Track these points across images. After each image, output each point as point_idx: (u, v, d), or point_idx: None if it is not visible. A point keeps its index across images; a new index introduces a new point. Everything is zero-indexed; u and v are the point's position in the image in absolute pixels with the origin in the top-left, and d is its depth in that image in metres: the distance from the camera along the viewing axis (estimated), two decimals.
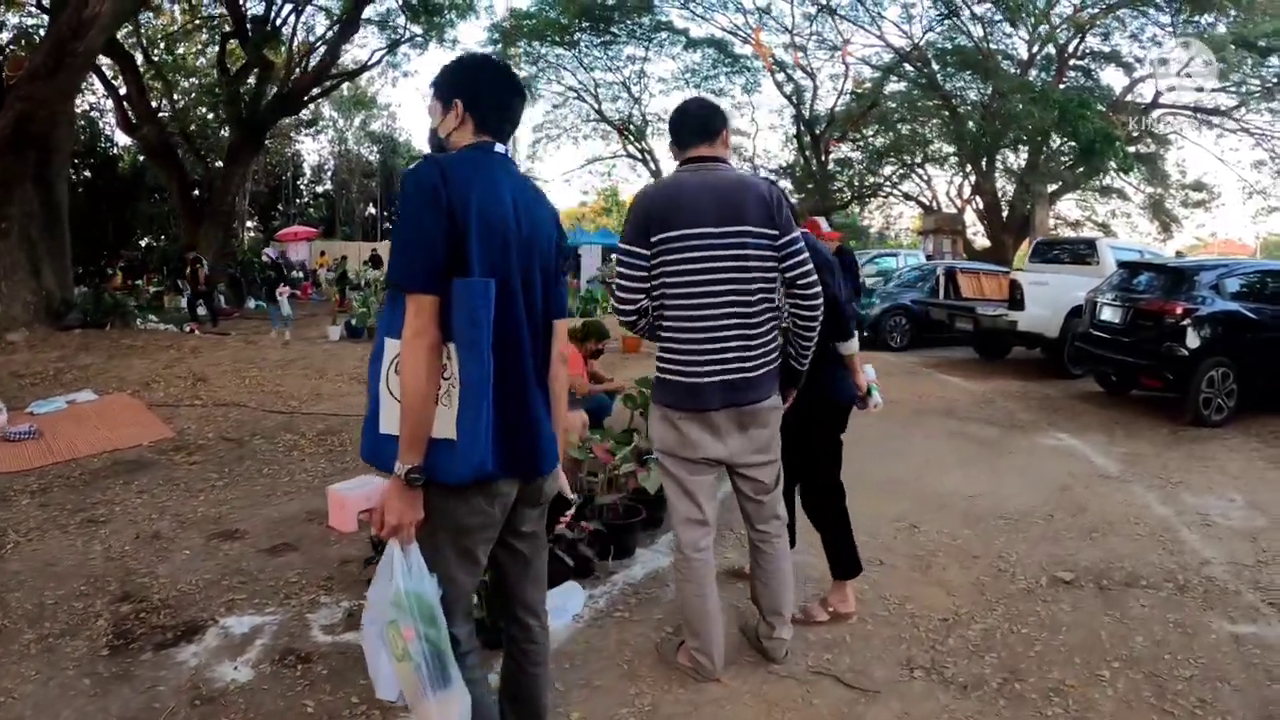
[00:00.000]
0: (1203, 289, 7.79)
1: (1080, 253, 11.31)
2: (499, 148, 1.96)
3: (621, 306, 2.71)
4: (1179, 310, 7.55)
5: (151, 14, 18.92)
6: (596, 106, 28.21)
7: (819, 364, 3.04)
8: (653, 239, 2.62)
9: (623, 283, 2.70)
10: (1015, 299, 10.13)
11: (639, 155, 29.18)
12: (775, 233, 2.64)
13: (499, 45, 24.53)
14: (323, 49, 19.28)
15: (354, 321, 13.27)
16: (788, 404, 2.94)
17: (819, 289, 2.75)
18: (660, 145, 28.01)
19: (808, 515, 3.53)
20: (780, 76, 26.08)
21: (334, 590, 3.74)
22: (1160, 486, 5.59)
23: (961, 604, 3.71)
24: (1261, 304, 7.87)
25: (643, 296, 2.69)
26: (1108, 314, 8.41)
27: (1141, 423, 7.64)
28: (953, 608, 3.67)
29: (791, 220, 2.71)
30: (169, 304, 17.22)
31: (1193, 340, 7.42)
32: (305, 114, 35.61)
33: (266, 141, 35.00)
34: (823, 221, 5.77)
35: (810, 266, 2.72)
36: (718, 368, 2.64)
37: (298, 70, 19.28)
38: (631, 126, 28.34)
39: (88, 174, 24.87)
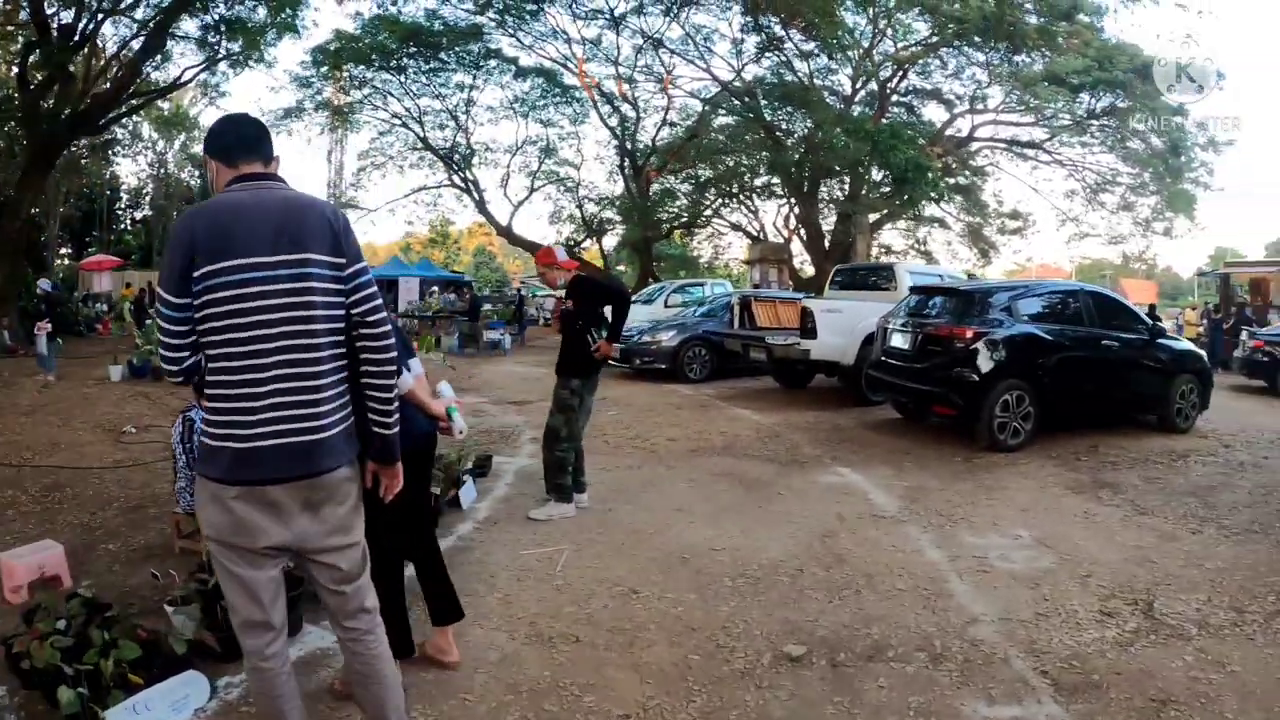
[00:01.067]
0: (996, 311, 7.62)
1: (878, 278, 11.19)
2: None
3: (168, 367, 2.19)
4: (969, 334, 7.33)
5: None
6: (422, 135, 27.04)
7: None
8: (196, 274, 2.08)
9: (164, 339, 2.16)
10: (807, 327, 9.79)
11: (464, 185, 28.11)
12: (341, 261, 2.18)
13: (322, 67, 23.10)
14: (123, 64, 17.18)
15: (135, 360, 11.52)
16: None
17: (389, 329, 2.27)
18: (486, 175, 27.31)
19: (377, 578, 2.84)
20: (606, 108, 25.91)
21: None
22: (938, 526, 5.11)
23: (654, 694, 2.99)
24: (1058, 325, 7.79)
25: (189, 353, 2.16)
26: (898, 340, 8.14)
27: (933, 452, 7.31)
28: (641, 699, 2.94)
29: (358, 246, 2.25)
30: None
31: (985, 364, 7.21)
32: (122, 134, 32.66)
33: (83, 162, 31.86)
34: (559, 250, 5.37)
35: (379, 302, 2.25)
36: (275, 428, 2.10)
37: (104, 85, 17.15)
38: (457, 155, 27.32)
39: None
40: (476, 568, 4.24)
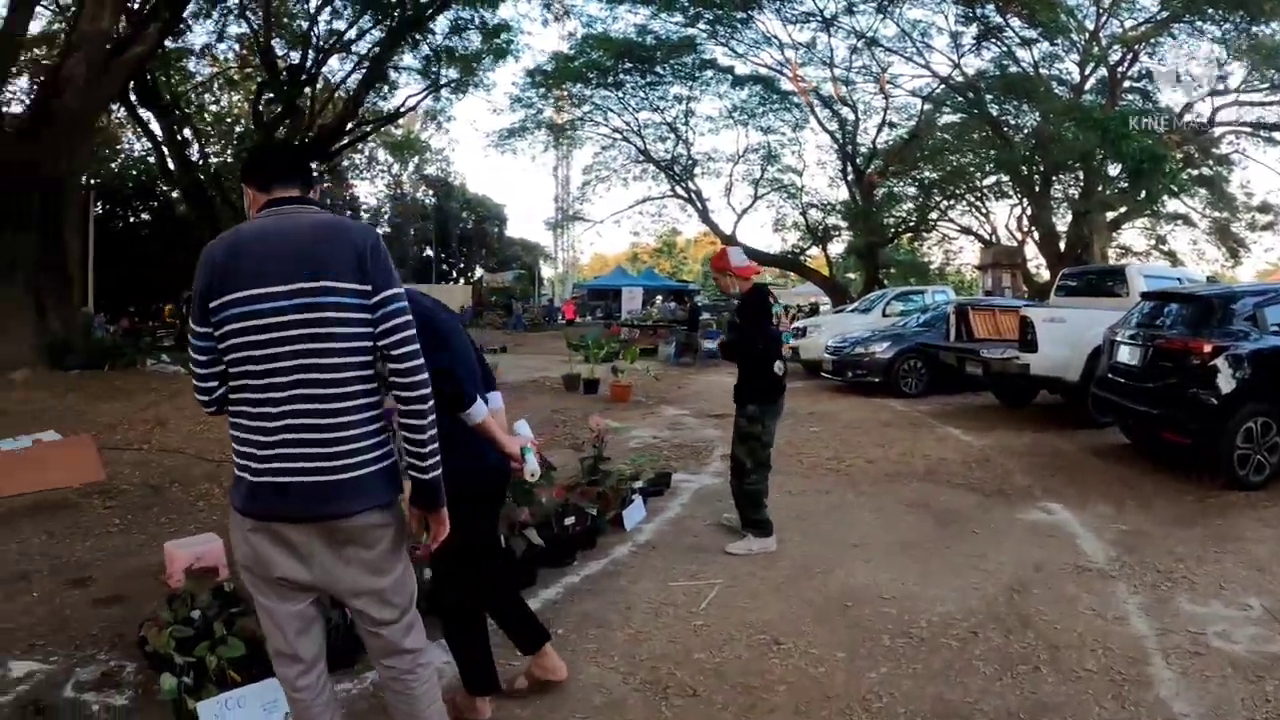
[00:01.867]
0: (1239, 321, 6.14)
1: (1109, 283, 9.57)
2: None
3: (198, 396, 2.07)
4: (1206, 348, 5.93)
5: (193, 63, 19.24)
6: (643, 147, 27.19)
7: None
8: (213, 304, 1.94)
9: (193, 368, 2.05)
10: (1026, 338, 8.50)
11: (686, 195, 28.01)
12: (367, 288, 1.93)
13: (539, 88, 24.04)
14: (347, 97, 19.12)
15: None
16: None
17: (420, 362, 1.97)
18: (709, 185, 27.26)
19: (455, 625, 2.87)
20: (824, 112, 24.90)
21: (114, 648, 3.48)
22: (1152, 585, 4.08)
23: None
24: None
25: (217, 383, 2.02)
26: (1126, 354, 6.82)
27: (1160, 488, 6.01)
28: None
29: (391, 272, 1.98)
30: None
31: (1225, 384, 5.80)
32: (358, 158, 36.40)
33: (324, 185, 35.91)
34: (735, 254, 4.72)
35: (411, 333, 1.96)
36: (288, 465, 1.92)
37: (329, 118, 19.17)
38: (678, 166, 27.26)
39: (146, 216, 25.47)
40: (617, 596, 3.93)
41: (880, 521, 5.25)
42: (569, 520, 4.46)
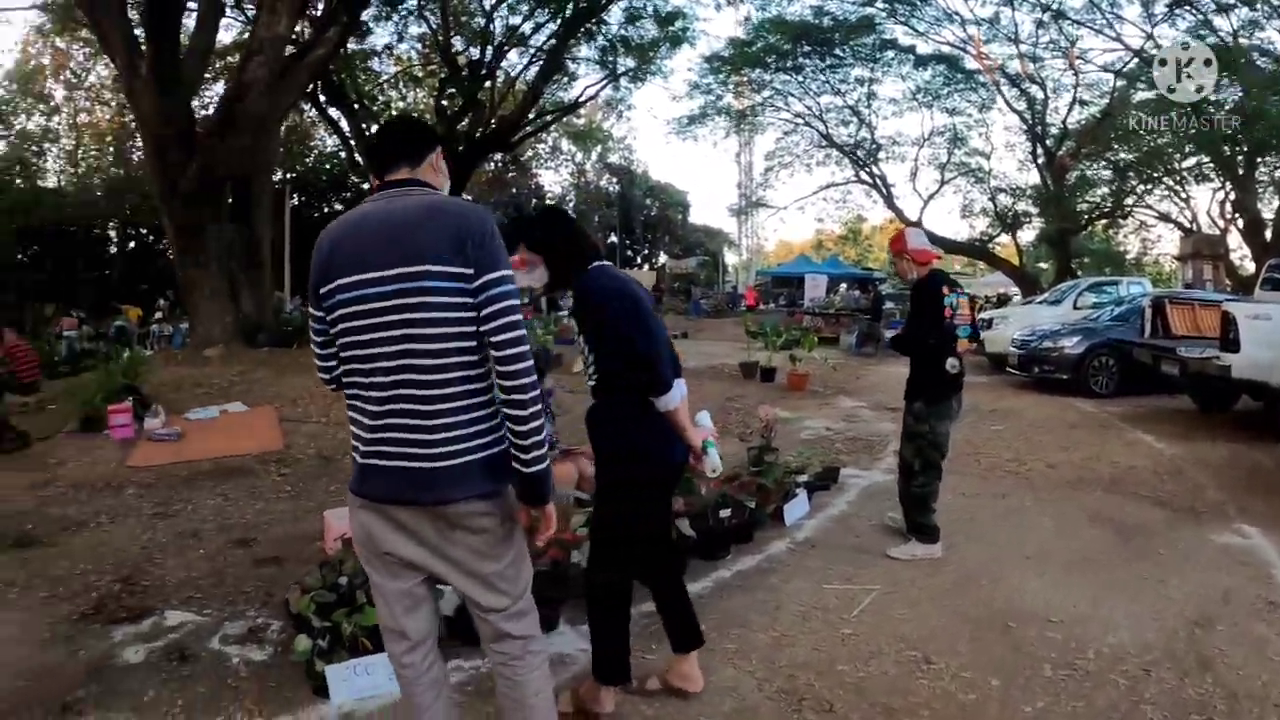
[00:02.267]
0: None
1: None
2: None
3: (320, 375, 2.16)
4: None
5: (378, 63, 20.39)
6: (825, 132, 26.37)
7: (622, 422, 2.72)
8: (322, 290, 1.98)
9: (314, 350, 2.15)
10: (1228, 337, 7.62)
11: (871, 181, 26.98)
12: (469, 271, 1.85)
13: (718, 74, 23.81)
14: (526, 89, 19.72)
15: None
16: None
17: (523, 349, 1.88)
18: (893, 170, 26.25)
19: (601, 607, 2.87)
20: (1011, 91, 23.32)
21: (264, 606, 3.80)
22: None
23: None
24: None
25: (335, 363, 2.07)
26: None
27: None
28: None
29: (496, 256, 1.89)
30: None
31: None
32: (542, 148, 37.52)
33: (509, 175, 37.38)
34: (914, 235, 4.50)
35: (515, 318, 1.88)
36: (388, 449, 1.93)
37: (509, 110, 19.82)
38: (861, 151, 26.28)
39: (339, 206, 27.45)
40: (766, 595, 3.92)
41: (1058, 532, 4.93)
42: (725, 513, 4.48)
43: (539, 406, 1.91)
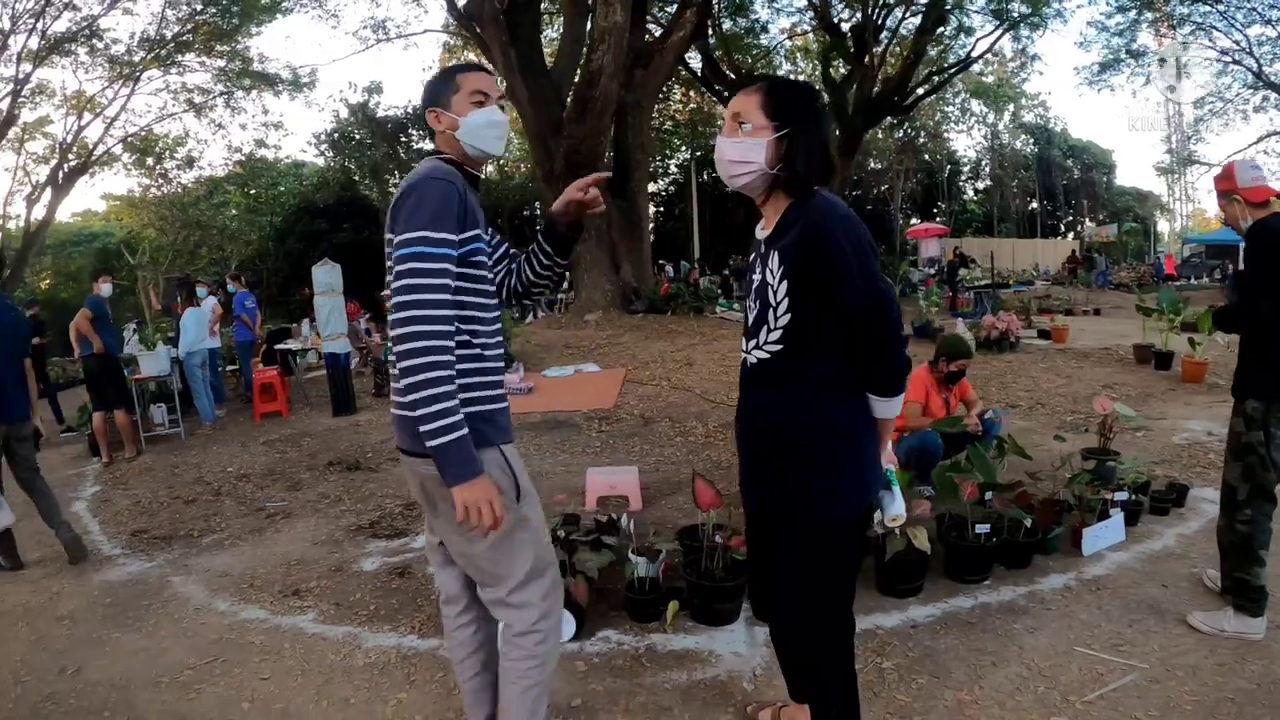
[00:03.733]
0: None
1: None
2: None
3: None
4: None
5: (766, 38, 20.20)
6: (1257, 70, 20.44)
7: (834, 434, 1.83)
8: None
9: None
10: None
11: None
12: (392, 236, 1.79)
13: (1126, 11, 19.66)
14: (910, 47, 18.08)
15: (915, 322, 11.23)
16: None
17: (407, 313, 1.69)
18: None
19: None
20: None
21: None
22: None
23: None
24: None
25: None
26: None
27: None
28: None
29: (399, 217, 1.76)
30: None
31: None
32: (951, 110, 34.32)
33: (920, 142, 34.98)
34: (1245, 169, 2.96)
35: (406, 282, 1.70)
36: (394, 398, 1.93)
37: (890, 72, 18.48)
38: None
39: None
40: (992, 643, 2.86)
41: None
42: (982, 529, 3.43)
43: (418, 376, 1.67)
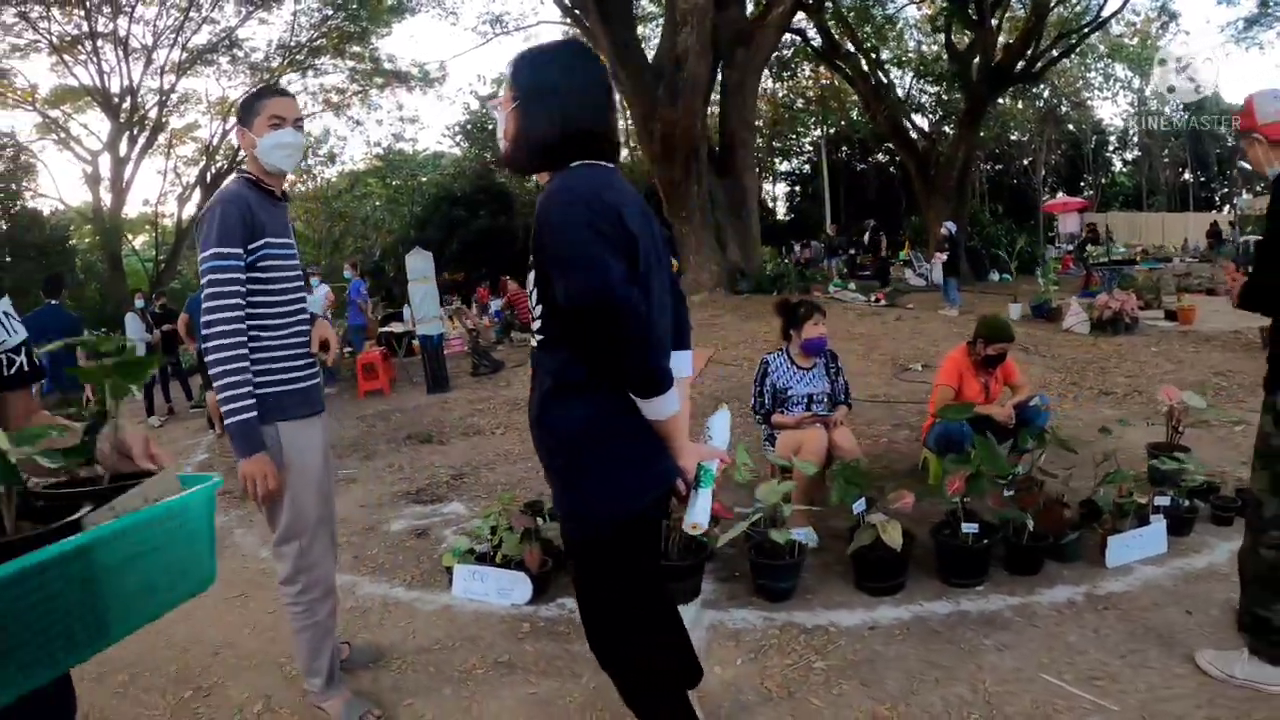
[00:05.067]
0: None
1: None
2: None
3: None
4: None
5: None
6: None
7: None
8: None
9: None
10: None
11: None
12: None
13: None
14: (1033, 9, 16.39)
15: (1035, 300, 10.39)
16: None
17: (206, 317, 2.01)
18: None
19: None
20: None
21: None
22: None
23: None
24: None
25: None
26: None
27: None
28: None
29: (204, 239, 2.04)
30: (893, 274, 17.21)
31: None
32: (1094, 77, 31.01)
33: (1064, 110, 31.88)
34: (1264, 100, 2.34)
35: (205, 292, 2.02)
36: None
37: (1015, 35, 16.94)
38: None
39: (881, 158, 26.80)
40: (949, 658, 2.55)
41: None
42: (970, 528, 3.07)
43: (216, 369, 1.99)
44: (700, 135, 12.03)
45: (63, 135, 20.94)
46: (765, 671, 2.53)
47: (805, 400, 3.85)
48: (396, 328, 10.50)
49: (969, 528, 3.05)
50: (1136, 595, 2.94)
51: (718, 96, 14.06)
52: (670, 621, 1.90)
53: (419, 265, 8.68)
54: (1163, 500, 3.37)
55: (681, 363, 1.77)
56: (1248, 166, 2.53)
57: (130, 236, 24.77)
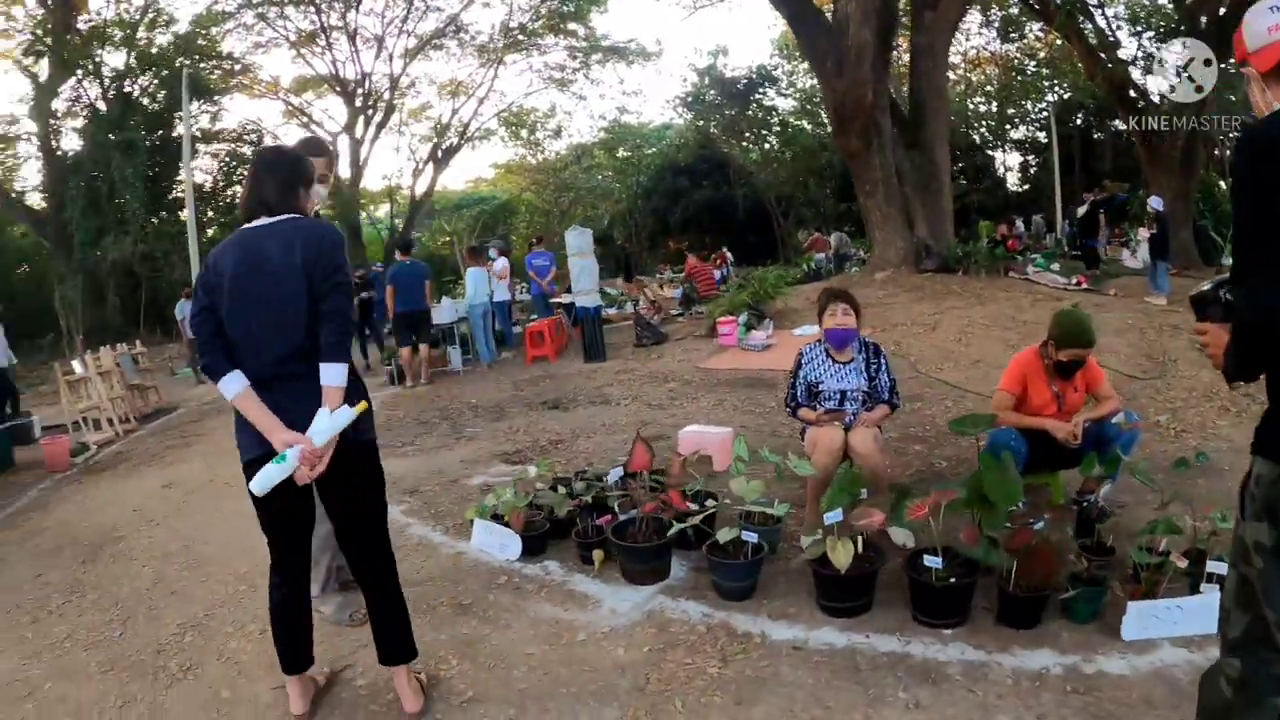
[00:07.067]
0: None
1: None
2: None
3: None
4: None
5: None
6: None
7: None
8: None
9: None
10: None
11: None
12: None
13: None
14: None
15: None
16: None
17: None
18: None
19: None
20: None
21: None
22: None
23: None
24: None
25: None
26: None
27: None
28: None
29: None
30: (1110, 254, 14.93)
31: None
32: None
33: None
34: (1256, 17, 1.56)
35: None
36: None
37: None
38: None
39: (1119, 125, 22.96)
40: (848, 697, 2.34)
41: None
42: (932, 562, 2.67)
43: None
44: (875, 105, 11.03)
45: (305, 120, 23.54)
46: (660, 664, 2.52)
47: (838, 396, 3.56)
48: (568, 299, 10.85)
49: (932, 561, 2.69)
50: (1130, 684, 2.30)
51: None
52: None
53: (576, 242, 9.06)
54: (1219, 567, 2.59)
55: (234, 381, 2.11)
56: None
57: (371, 207, 27.01)
